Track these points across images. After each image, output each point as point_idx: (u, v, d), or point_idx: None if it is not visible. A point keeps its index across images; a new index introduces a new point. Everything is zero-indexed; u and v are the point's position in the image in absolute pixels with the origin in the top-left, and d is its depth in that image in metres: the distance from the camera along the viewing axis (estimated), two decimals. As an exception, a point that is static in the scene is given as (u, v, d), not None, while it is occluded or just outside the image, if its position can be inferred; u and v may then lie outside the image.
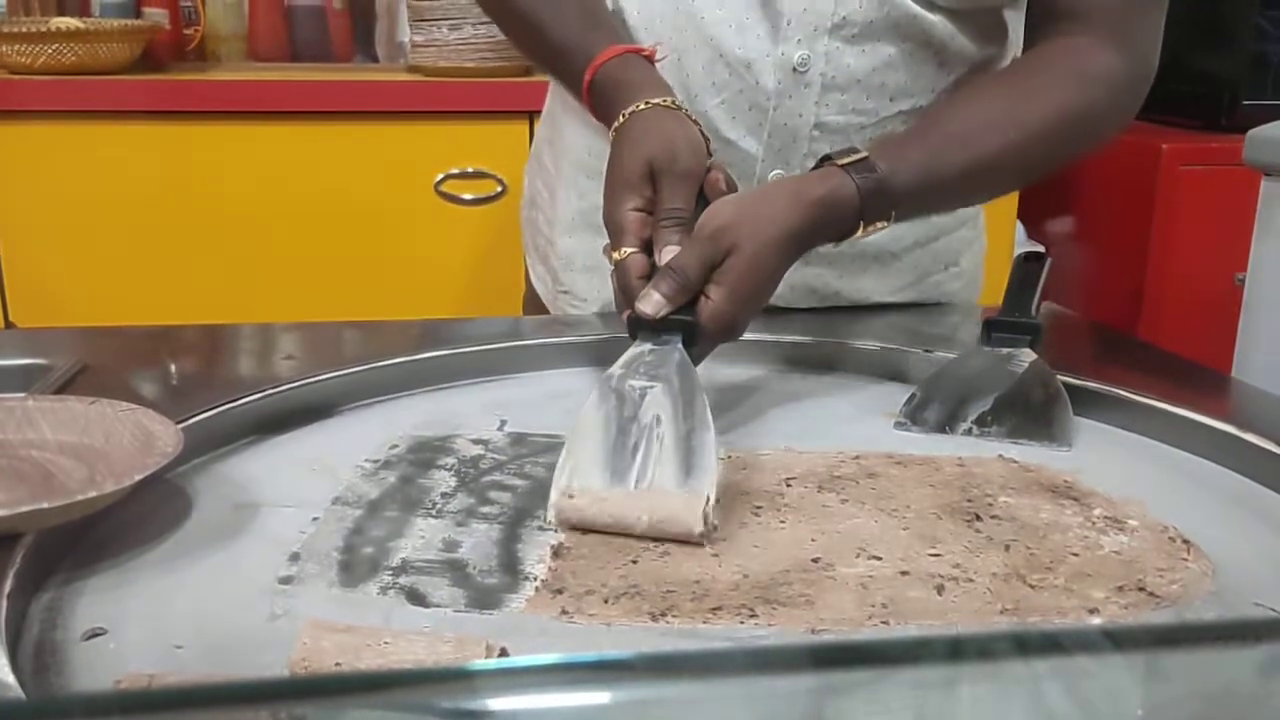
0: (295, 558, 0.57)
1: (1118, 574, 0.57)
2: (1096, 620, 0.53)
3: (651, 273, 0.72)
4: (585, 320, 0.97)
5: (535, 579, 0.56)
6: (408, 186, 1.63)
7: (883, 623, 0.52)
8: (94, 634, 0.50)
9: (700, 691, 0.30)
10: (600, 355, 0.86)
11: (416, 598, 0.54)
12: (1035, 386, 0.77)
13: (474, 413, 0.77)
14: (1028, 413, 0.75)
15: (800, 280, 0.95)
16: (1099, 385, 0.77)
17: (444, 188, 1.63)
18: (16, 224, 1.60)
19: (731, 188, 0.76)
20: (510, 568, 0.57)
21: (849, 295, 0.98)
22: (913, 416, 0.77)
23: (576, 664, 0.30)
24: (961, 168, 0.79)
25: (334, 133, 1.61)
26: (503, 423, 0.75)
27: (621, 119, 0.78)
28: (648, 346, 0.71)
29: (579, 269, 0.99)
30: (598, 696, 0.30)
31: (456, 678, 0.30)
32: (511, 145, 1.62)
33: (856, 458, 0.70)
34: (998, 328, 0.81)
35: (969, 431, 0.75)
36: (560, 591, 0.54)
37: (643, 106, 0.78)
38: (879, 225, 0.76)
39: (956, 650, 0.32)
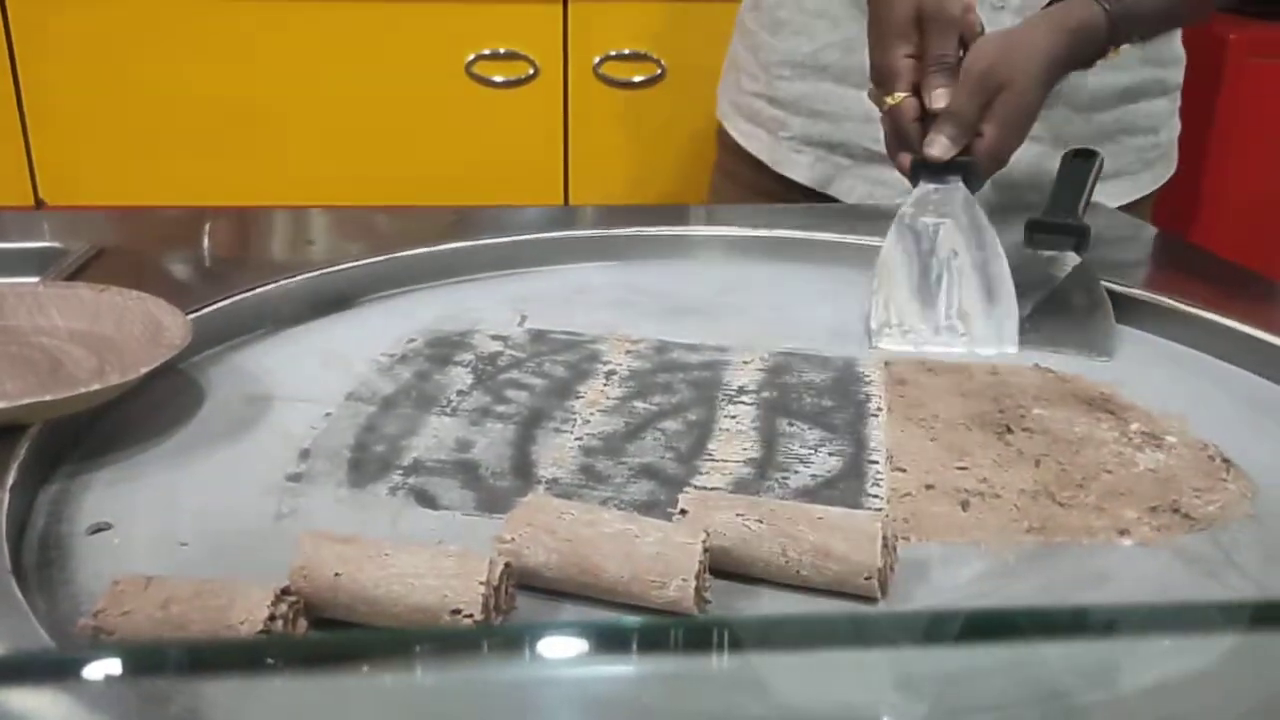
0: (305, 455, 0.56)
1: (1152, 493, 0.54)
2: (1127, 542, 0.51)
3: (923, 115, 0.76)
4: (611, 212, 0.94)
5: (546, 481, 0.55)
6: (438, 68, 1.59)
7: (903, 538, 0.50)
8: (99, 528, 0.49)
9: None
10: (626, 249, 0.84)
11: (426, 499, 0.53)
12: (1077, 292, 0.73)
13: (494, 307, 0.75)
14: (1068, 319, 0.72)
15: None
16: (1145, 293, 0.74)
17: (475, 69, 1.59)
18: (43, 98, 1.58)
19: (982, 29, 0.78)
20: (523, 470, 0.56)
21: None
22: (947, 321, 0.74)
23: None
24: None
25: (362, 11, 1.57)
26: (523, 318, 0.74)
27: None
28: (931, 186, 0.75)
29: (805, 113, 1.00)
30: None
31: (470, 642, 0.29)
32: (544, 26, 1.56)
33: (886, 363, 0.68)
34: (1041, 229, 0.78)
35: (1005, 338, 0.72)
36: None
37: None
38: (1123, 48, 0.81)
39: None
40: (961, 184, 0.75)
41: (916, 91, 0.77)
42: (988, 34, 0.78)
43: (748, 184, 1.05)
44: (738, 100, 1.06)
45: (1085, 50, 0.79)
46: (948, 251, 0.73)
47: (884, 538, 0.45)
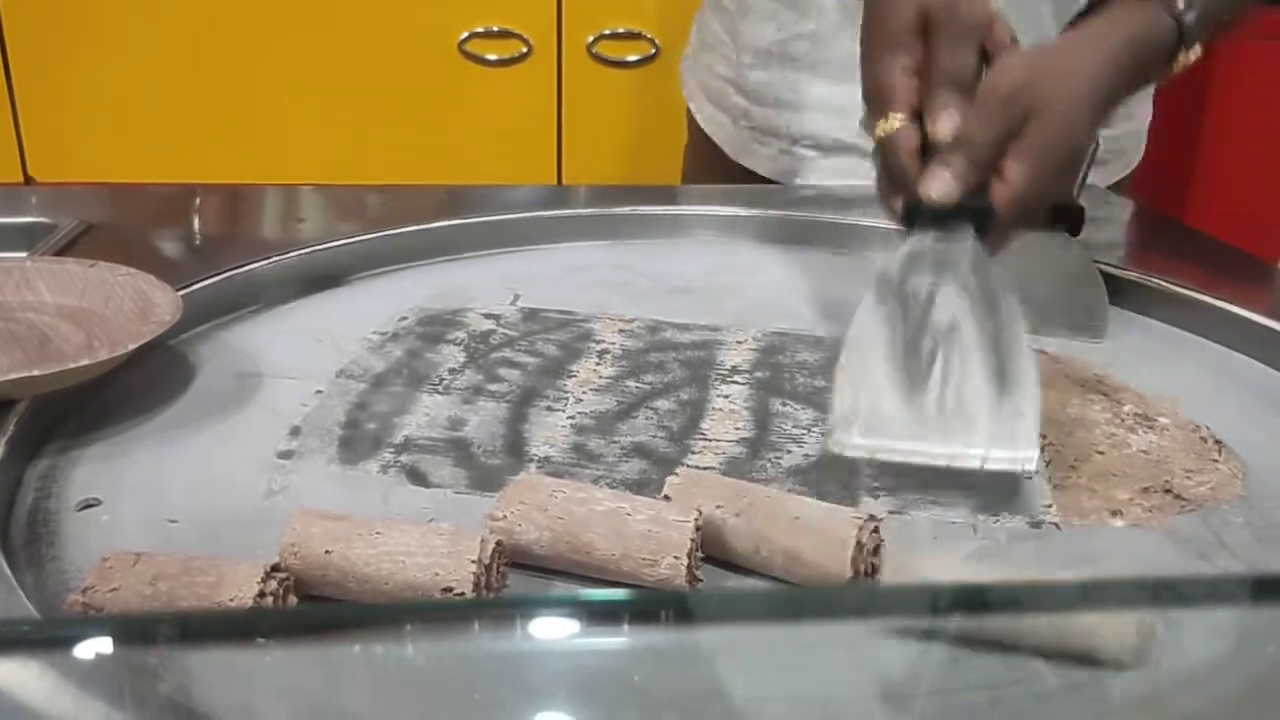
0: (296, 432, 0.56)
1: (1144, 474, 0.54)
2: (1119, 523, 0.51)
3: (925, 147, 0.60)
4: (604, 192, 0.94)
5: (538, 460, 0.54)
6: (430, 46, 1.58)
7: (895, 514, 0.50)
8: (88, 504, 0.49)
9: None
10: (619, 228, 0.84)
11: (417, 477, 0.53)
12: (1071, 274, 0.73)
13: (487, 285, 0.75)
14: (1061, 301, 0.72)
15: None
16: (1139, 274, 0.74)
17: (468, 47, 1.58)
18: (32, 73, 1.57)
19: (1014, 42, 0.61)
20: (515, 449, 0.56)
21: None
22: (941, 302, 0.73)
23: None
24: None
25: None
26: (516, 297, 0.73)
27: None
28: (930, 237, 0.58)
29: (770, 103, 0.92)
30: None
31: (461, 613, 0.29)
32: (538, 4, 1.55)
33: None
34: (1036, 210, 0.77)
35: (999, 319, 0.72)
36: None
37: None
38: (1190, 57, 0.63)
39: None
40: (971, 235, 0.58)
41: (919, 116, 0.61)
42: (1019, 50, 0.61)
43: (715, 170, 0.98)
44: (706, 82, 0.98)
45: (1144, 67, 0.61)
46: (946, 322, 0.55)
47: (859, 543, 0.44)
